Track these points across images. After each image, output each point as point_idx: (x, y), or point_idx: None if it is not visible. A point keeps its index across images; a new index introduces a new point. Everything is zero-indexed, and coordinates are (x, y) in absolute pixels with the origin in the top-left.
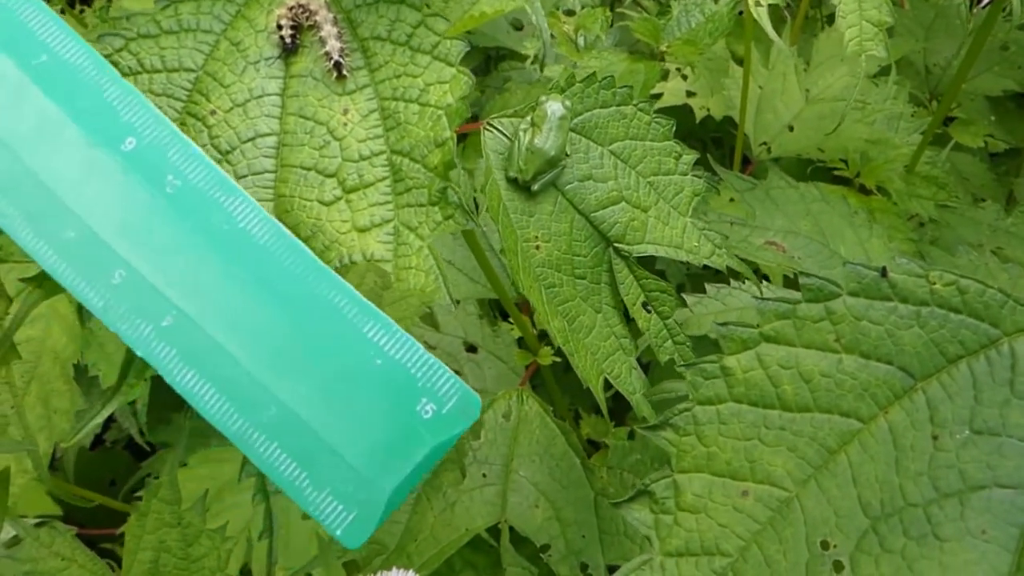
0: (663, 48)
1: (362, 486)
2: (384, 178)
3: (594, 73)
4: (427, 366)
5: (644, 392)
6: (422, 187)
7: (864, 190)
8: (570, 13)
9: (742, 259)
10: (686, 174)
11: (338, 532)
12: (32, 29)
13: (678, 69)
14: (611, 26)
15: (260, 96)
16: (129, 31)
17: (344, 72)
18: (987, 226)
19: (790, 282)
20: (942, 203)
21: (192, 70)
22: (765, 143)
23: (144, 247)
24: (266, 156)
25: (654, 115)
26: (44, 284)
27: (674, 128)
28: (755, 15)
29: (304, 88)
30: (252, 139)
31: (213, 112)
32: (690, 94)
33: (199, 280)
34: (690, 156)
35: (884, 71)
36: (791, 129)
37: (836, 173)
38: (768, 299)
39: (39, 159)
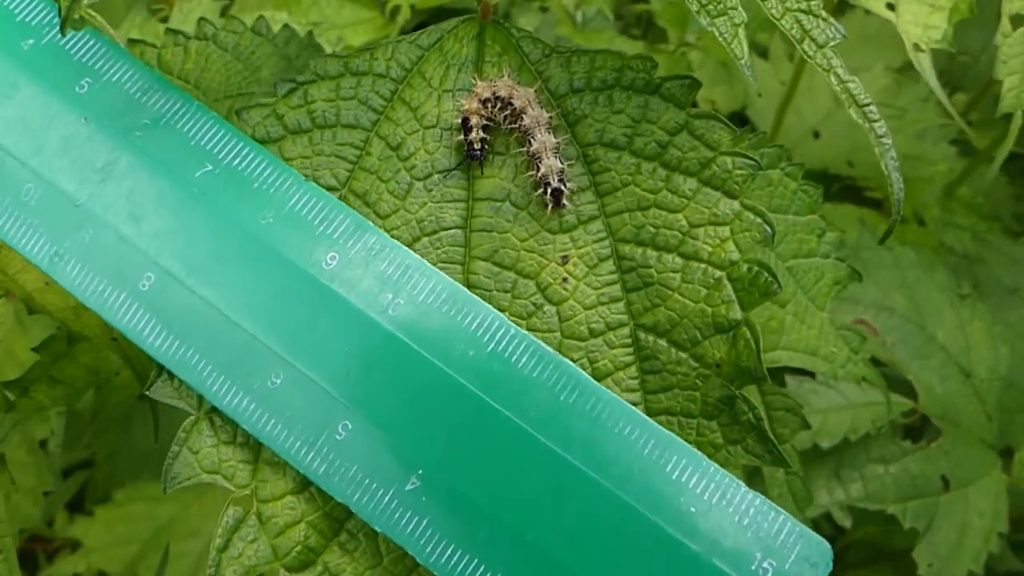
0: (689, 39)
1: None
2: (627, 364)
3: (746, 129)
4: (754, 509)
5: None
6: (691, 388)
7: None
8: None
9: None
10: (828, 256)
11: None
12: (191, 136)
13: (683, 53)
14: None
15: (435, 232)
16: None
17: (563, 202)
18: None
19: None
20: (981, 236)
21: (334, 189)
22: (786, 149)
23: (374, 390)
24: None
25: (802, 181)
26: (30, 393)
27: (820, 200)
28: (915, 62)
29: (499, 219)
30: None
31: None
32: None
33: (448, 428)
34: (833, 234)
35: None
36: (816, 136)
37: (868, 194)
38: None
39: (220, 292)
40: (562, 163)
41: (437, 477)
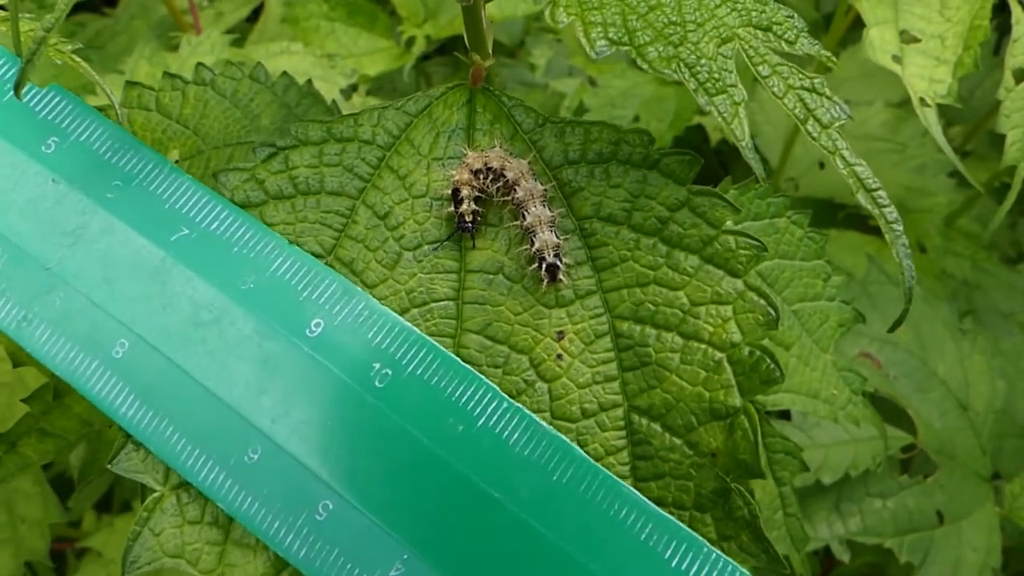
0: None
1: None
2: (619, 449)
3: (753, 179)
4: None
5: None
6: (684, 477)
7: None
8: None
9: None
10: (833, 299)
11: None
12: (165, 199)
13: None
14: None
15: (425, 304)
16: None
17: (560, 277)
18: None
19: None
20: (980, 264)
21: (319, 256)
22: (792, 179)
23: (357, 467)
24: None
25: (808, 228)
26: (18, 448)
27: (825, 246)
28: (921, 117)
29: (492, 292)
30: None
31: None
32: (702, 112)
33: (435, 510)
34: (839, 278)
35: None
36: (822, 167)
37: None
38: None
39: (197, 361)
40: (558, 237)
41: (423, 563)
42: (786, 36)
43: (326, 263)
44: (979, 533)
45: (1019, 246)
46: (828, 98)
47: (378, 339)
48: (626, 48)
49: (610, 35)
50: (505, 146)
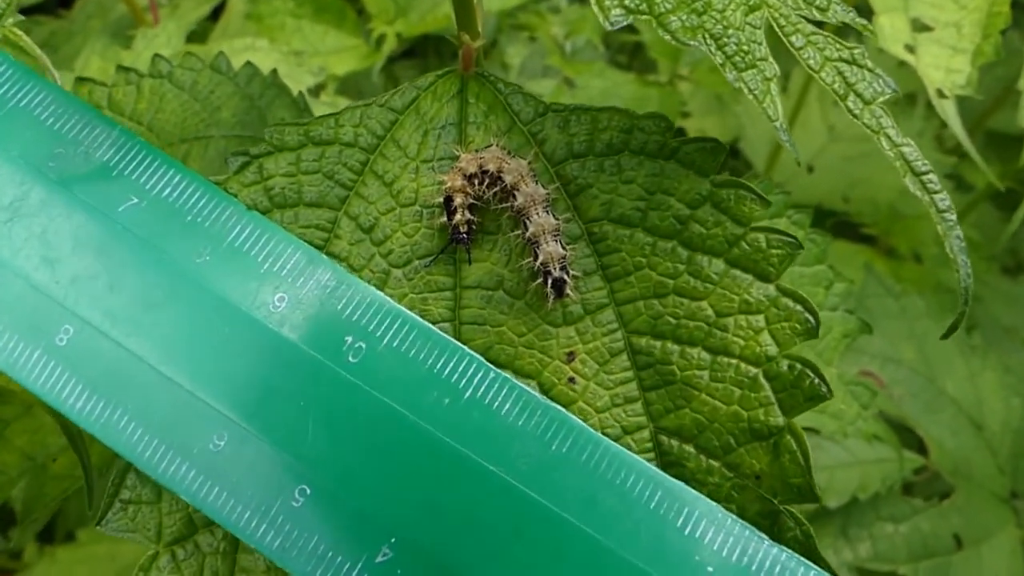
0: (681, 72)
1: None
2: None
3: (752, 172)
4: (780, 565)
5: None
6: (725, 500)
7: (891, 251)
8: (557, 11)
9: None
10: (836, 308)
11: None
12: (112, 166)
13: (671, 83)
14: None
15: None
16: None
17: (567, 292)
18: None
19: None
20: (979, 276)
21: None
22: (779, 184)
23: (335, 448)
24: None
25: (810, 230)
26: None
27: (827, 249)
28: (939, 109)
29: (491, 311)
30: None
31: None
32: (684, 115)
33: (424, 488)
34: (842, 285)
35: (903, 98)
36: (810, 170)
37: (864, 230)
38: None
39: (151, 344)
40: (563, 248)
41: (413, 546)
42: (817, 3)
43: None
44: (1000, 557)
45: (1017, 255)
46: (870, 70)
47: (348, 311)
48: (645, 17)
49: (626, 2)
50: (501, 144)
